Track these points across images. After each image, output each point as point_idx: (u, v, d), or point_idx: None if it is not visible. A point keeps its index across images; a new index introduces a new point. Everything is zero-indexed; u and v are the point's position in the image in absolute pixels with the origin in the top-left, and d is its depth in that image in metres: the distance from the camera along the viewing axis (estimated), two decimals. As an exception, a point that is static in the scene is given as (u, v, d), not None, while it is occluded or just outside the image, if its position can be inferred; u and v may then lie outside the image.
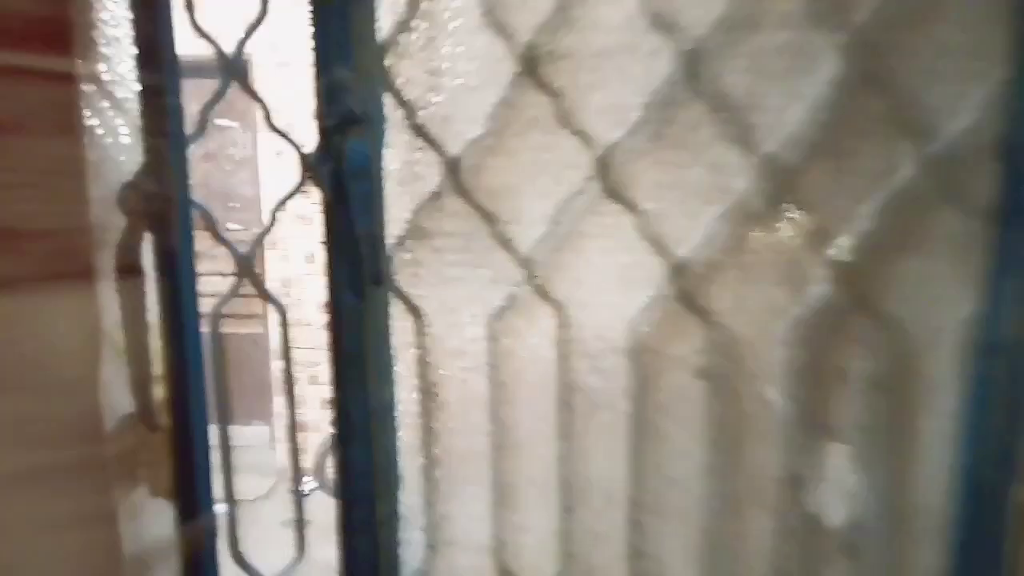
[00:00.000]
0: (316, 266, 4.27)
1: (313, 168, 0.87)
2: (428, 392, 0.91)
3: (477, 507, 0.93)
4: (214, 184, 4.28)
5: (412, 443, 0.91)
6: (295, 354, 3.96)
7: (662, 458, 0.90)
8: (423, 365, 0.90)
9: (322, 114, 0.84)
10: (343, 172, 0.83)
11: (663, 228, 0.84)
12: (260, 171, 4.10)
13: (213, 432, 0.99)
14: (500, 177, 0.88)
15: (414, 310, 0.89)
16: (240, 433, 4.51)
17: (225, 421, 1.03)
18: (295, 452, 1.22)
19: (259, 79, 3.90)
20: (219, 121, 4.22)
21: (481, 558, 0.94)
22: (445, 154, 0.88)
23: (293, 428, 1.20)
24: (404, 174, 0.88)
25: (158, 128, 0.61)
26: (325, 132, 0.84)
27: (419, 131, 0.87)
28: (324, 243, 0.87)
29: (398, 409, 0.89)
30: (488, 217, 0.88)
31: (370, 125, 0.84)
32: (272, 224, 0.97)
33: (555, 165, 0.86)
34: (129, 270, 0.57)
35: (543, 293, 0.88)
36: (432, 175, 0.88)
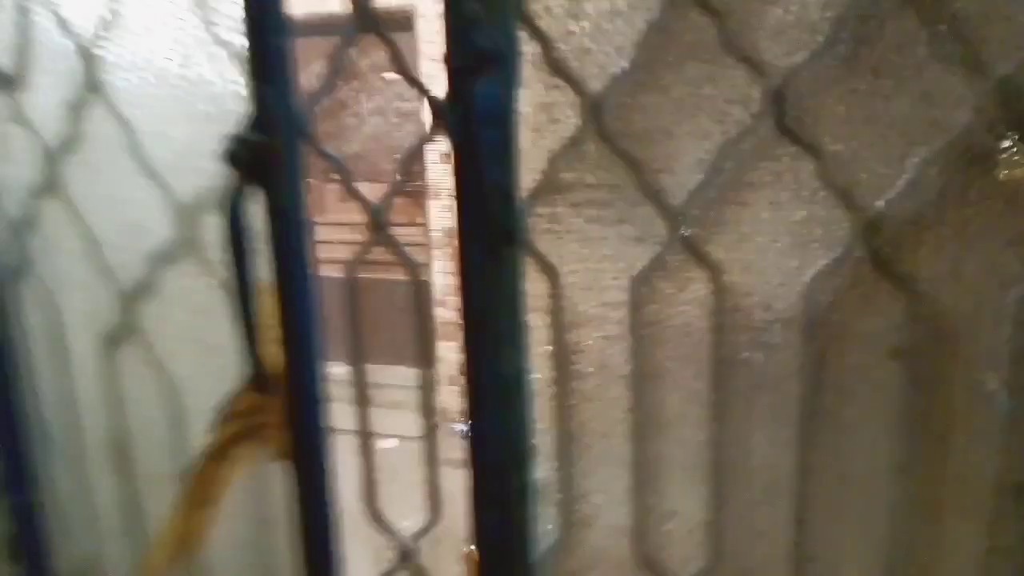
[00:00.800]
0: (476, 216, 4.28)
1: (441, 115, 0.79)
2: (564, 361, 0.82)
3: (617, 487, 0.84)
4: (382, 137, 4.42)
5: (547, 415, 0.82)
6: (456, 301, 4.02)
7: (841, 450, 0.75)
8: (559, 331, 0.80)
9: (450, 54, 0.75)
10: (472, 118, 0.74)
11: (854, 175, 0.67)
12: (426, 124, 4.15)
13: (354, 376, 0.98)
14: (650, 118, 0.75)
15: (549, 271, 0.79)
16: (404, 374, 4.74)
17: (362, 366, 1.02)
18: (429, 405, 1.20)
19: (425, 32, 3.92)
20: (386, 75, 4.32)
21: (620, 542, 0.84)
22: (586, 93, 0.76)
23: (428, 387, 1.17)
24: (539, 118, 0.77)
25: (264, 75, 0.55)
26: (453, 74, 0.75)
27: (557, 67, 0.76)
28: (454, 197, 0.79)
29: (532, 378, 0.80)
30: (635, 165, 0.75)
31: (502, 64, 0.74)
32: (404, 178, 0.91)
33: (717, 100, 0.71)
34: (234, 226, 0.53)
35: (698, 253, 0.74)
36: (571, 118, 0.77)
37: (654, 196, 0.75)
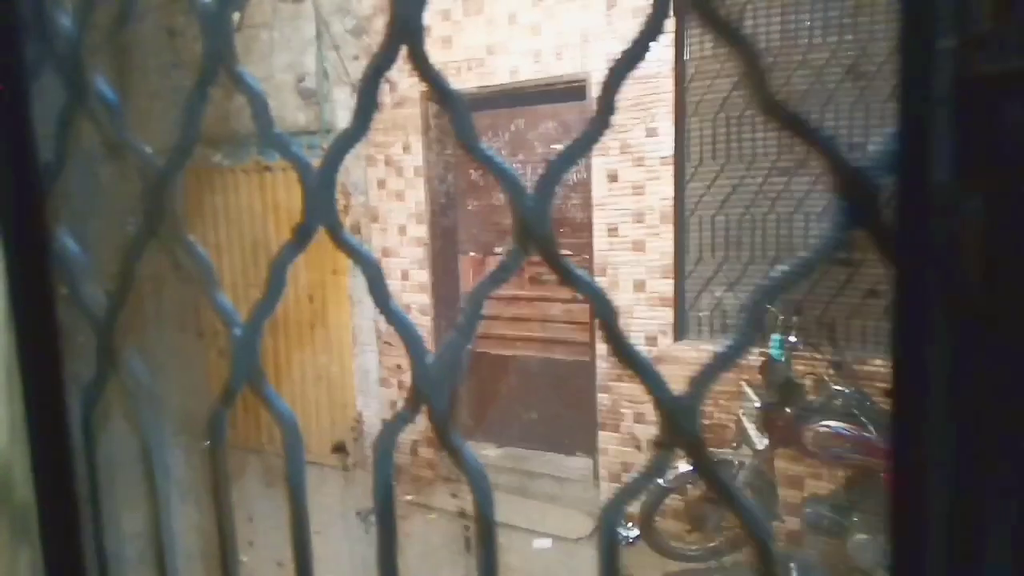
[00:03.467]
0: (646, 295, 3.80)
1: (867, 200, 0.32)
2: None
3: None
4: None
5: None
6: (620, 388, 3.43)
7: None
8: None
9: (913, 40, 0.29)
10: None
11: None
12: (594, 195, 3.77)
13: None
14: None
15: None
16: (562, 464, 4.23)
17: None
18: None
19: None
20: (554, 146, 4.00)
21: None
22: None
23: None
24: None
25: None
26: (928, 99, 0.28)
27: None
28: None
29: None
30: None
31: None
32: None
33: None
34: None
35: None
36: None
37: None
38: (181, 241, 0.55)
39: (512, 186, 0.41)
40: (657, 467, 0.39)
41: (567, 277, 0.40)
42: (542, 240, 0.40)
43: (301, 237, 0.48)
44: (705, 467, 0.38)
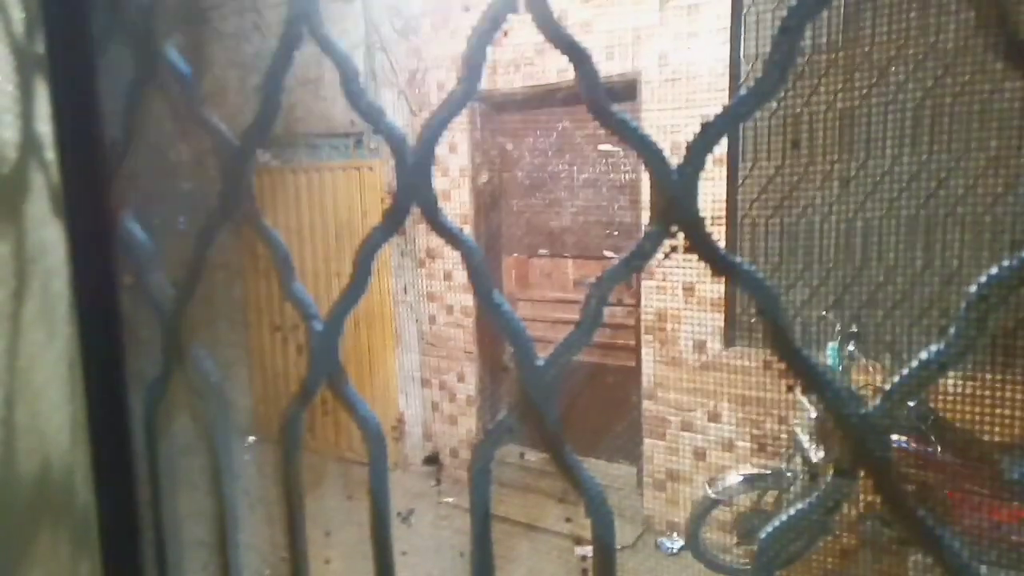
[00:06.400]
0: (695, 299, 3.70)
1: None
2: None
3: None
4: (594, 211, 4.00)
5: None
6: (666, 395, 3.30)
7: None
8: None
9: None
10: None
11: None
12: (643, 196, 3.67)
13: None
14: None
15: None
16: (606, 471, 4.13)
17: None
18: None
19: (649, 100, 3.49)
20: (602, 147, 3.93)
21: None
22: None
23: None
24: None
25: None
26: None
27: None
28: None
29: None
30: None
31: None
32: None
33: None
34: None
35: None
36: None
37: None
38: (256, 226, 0.49)
39: (654, 158, 0.34)
40: (834, 498, 0.32)
41: (719, 264, 0.33)
42: (689, 219, 0.34)
43: (393, 219, 0.42)
44: (896, 498, 0.31)
